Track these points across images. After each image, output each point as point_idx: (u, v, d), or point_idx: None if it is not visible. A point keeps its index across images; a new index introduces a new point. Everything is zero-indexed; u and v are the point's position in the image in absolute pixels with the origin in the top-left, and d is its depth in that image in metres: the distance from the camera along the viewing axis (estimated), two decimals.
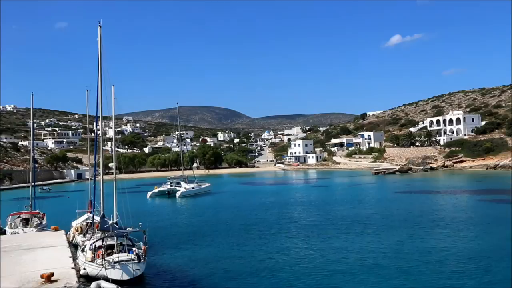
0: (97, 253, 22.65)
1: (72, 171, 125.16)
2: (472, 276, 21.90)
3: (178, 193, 68.81)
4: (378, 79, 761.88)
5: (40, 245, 25.72)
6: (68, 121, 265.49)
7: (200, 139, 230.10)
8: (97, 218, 27.04)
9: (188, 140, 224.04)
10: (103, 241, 23.88)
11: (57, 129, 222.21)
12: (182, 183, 73.74)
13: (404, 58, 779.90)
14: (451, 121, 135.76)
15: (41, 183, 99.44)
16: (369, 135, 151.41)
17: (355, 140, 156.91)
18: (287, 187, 79.37)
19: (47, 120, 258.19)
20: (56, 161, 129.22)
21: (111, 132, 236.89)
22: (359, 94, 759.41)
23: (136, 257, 22.55)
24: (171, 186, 73.29)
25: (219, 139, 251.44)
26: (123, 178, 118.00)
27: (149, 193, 70.46)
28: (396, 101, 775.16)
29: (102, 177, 25.87)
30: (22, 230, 32.82)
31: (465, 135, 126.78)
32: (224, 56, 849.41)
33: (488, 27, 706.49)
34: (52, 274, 18.65)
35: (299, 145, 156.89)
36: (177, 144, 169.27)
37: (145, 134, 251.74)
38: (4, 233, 33.54)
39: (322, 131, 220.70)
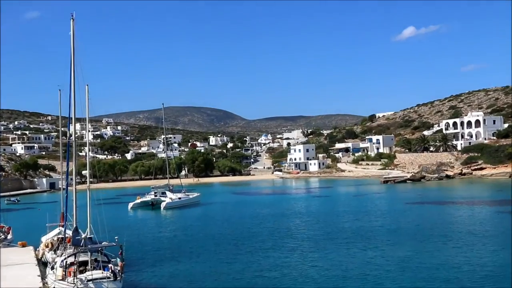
0: (69, 271, 22.95)
1: (44, 180, 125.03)
2: None
3: (162, 204, 69.16)
4: (389, 77, 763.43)
5: (5, 263, 25.96)
6: (40, 124, 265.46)
7: (189, 144, 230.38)
8: (69, 232, 27.35)
9: (175, 144, 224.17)
10: (75, 257, 24.18)
11: (27, 132, 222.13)
12: (167, 193, 74.12)
13: (418, 53, 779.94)
14: (469, 123, 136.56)
15: (8, 193, 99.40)
16: (377, 139, 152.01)
17: (362, 145, 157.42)
18: (285, 197, 79.75)
19: (16, 123, 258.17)
20: (25, 168, 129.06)
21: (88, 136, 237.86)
22: (367, 93, 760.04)
23: (112, 274, 22.85)
24: (155, 196, 73.65)
25: (211, 143, 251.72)
26: (102, 187, 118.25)
27: (130, 204, 70.79)
28: (408, 101, 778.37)
29: (75, 186, 26.17)
30: None
31: (485, 139, 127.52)
32: (216, 52, 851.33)
33: None
34: None
35: (299, 150, 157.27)
36: (163, 149, 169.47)
37: (127, 138, 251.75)
38: None
39: (325, 134, 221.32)
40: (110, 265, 23.78)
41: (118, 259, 24.81)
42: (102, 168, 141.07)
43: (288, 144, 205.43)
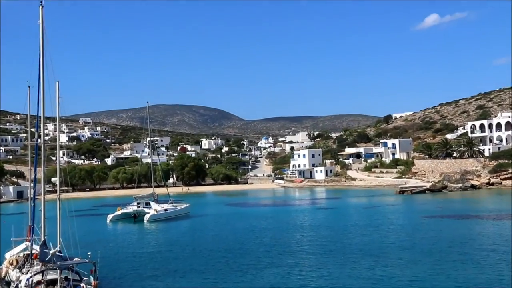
0: None
1: (11, 188, 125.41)
2: None
3: (146, 217, 69.58)
4: (408, 72, 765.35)
5: None
6: (8, 124, 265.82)
7: (179, 148, 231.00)
8: (36, 247, 27.71)
9: (162, 148, 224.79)
10: (43, 275, 24.54)
11: None
12: (152, 203, 74.52)
13: (442, 44, 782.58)
14: (499, 125, 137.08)
15: None
16: (393, 144, 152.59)
17: (375, 150, 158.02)
18: (285, 209, 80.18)
19: None
20: None
21: (63, 138, 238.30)
22: (383, 90, 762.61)
23: None
24: (138, 207, 74.09)
25: (203, 147, 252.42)
26: (77, 197, 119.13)
27: (109, 216, 71.20)
28: (429, 100, 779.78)
29: (44, 195, 26.56)
30: None
31: None
32: (210, 43, 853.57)
33: None
34: None
35: (304, 155, 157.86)
36: (148, 154, 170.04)
37: (107, 140, 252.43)
38: None
39: (334, 137, 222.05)
40: (82, 284, 24.16)
41: (91, 278, 25.17)
42: (78, 175, 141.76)
43: (292, 148, 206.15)
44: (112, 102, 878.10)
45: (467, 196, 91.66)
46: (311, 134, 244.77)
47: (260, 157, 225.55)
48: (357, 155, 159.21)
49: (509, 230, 49.74)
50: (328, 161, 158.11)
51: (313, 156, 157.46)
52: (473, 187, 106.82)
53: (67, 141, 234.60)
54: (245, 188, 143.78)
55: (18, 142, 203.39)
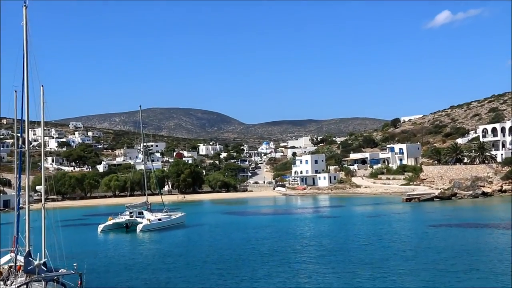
0: None
1: None
2: None
3: (139, 227, 70.06)
4: (417, 72, 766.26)
5: None
6: None
7: (175, 153, 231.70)
8: (21, 258, 28.18)
9: (157, 154, 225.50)
10: (27, 287, 25.00)
11: None
12: (145, 212, 74.99)
13: (454, 43, 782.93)
14: None
15: None
16: (401, 149, 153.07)
17: (382, 155, 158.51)
18: (286, 218, 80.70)
19: None
20: None
21: (52, 143, 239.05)
22: (391, 92, 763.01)
23: None
24: (131, 217, 74.55)
25: (200, 153, 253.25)
26: (67, 205, 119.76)
27: (100, 226, 71.63)
28: (440, 102, 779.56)
29: (28, 203, 27.08)
30: None
31: None
32: (208, 44, 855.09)
33: None
34: None
35: (306, 161, 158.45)
36: (142, 160, 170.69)
37: (99, 146, 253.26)
38: None
39: (338, 142, 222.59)
40: None
41: None
42: (67, 183, 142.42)
43: (294, 154, 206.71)
44: (105, 105, 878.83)
45: (477, 204, 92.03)
46: (315, 139, 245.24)
47: (260, 163, 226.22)
48: (363, 161, 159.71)
49: None
50: (332, 167, 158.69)
51: (316, 162, 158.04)
52: (485, 194, 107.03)
53: (56, 147, 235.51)
54: (244, 196, 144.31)
55: (5, 148, 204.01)
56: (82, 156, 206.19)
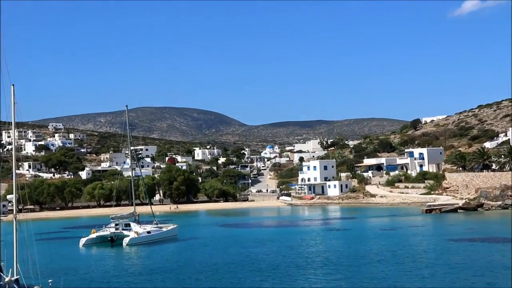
0: None
1: None
2: None
3: (125, 240, 70.52)
4: (442, 67, 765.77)
5: None
6: None
7: (167, 158, 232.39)
8: None
9: (147, 159, 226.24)
10: None
11: None
12: (132, 224, 75.47)
13: (483, 33, 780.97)
14: None
15: None
16: (421, 153, 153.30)
17: (400, 161, 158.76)
18: (290, 231, 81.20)
19: None
20: None
21: (28, 147, 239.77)
22: (411, 89, 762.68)
23: None
24: (117, 229, 74.98)
25: (196, 157, 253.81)
26: (45, 217, 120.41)
27: (82, 240, 72.14)
28: (466, 101, 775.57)
29: (0, 214, 27.65)
30: None
31: None
32: (206, 36, 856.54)
33: None
34: None
35: (314, 167, 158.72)
36: (130, 166, 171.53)
37: (82, 150, 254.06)
38: None
39: (351, 146, 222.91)
40: None
41: None
42: (46, 191, 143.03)
43: (301, 159, 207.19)
44: (88, 104, 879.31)
45: (507, 216, 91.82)
46: (324, 142, 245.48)
47: (263, 169, 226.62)
48: (378, 167, 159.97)
49: None
50: (343, 174, 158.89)
51: (325, 168, 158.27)
52: None
53: (33, 151, 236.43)
54: (244, 206, 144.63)
55: None
56: (63, 161, 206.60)
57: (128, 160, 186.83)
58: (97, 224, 78.84)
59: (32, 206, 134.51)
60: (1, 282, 26.53)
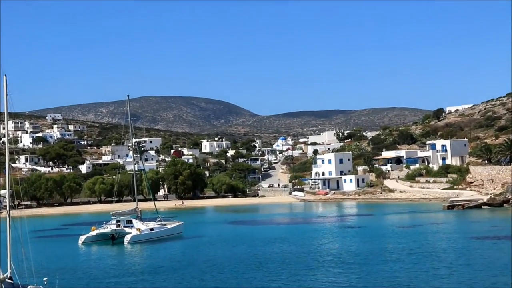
0: None
1: None
2: None
3: (127, 237, 71.18)
4: (467, 52, 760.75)
5: None
6: None
7: (172, 151, 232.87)
8: None
9: (151, 152, 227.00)
10: None
11: None
12: (134, 221, 76.01)
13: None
14: None
15: None
16: (444, 145, 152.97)
17: (421, 153, 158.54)
18: (303, 229, 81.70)
19: None
20: None
21: (25, 139, 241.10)
22: (435, 76, 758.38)
23: None
24: (118, 226, 75.55)
25: (203, 150, 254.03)
26: (43, 214, 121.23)
27: (82, 238, 72.83)
28: (494, 89, 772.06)
29: None
30: None
31: None
32: (215, 22, 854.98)
33: None
34: None
35: (329, 160, 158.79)
36: (133, 159, 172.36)
37: (82, 142, 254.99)
38: None
39: (369, 138, 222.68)
40: None
41: None
42: (44, 186, 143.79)
43: (315, 151, 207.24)
44: (89, 93, 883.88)
45: None
46: (340, 134, 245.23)
47: (275, 162, 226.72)
48: (397, 160, 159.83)
49: None
50: (360, 168, 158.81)
51: (341, 161, 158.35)
52: None
53: (30, 143, 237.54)
54: (254, 202, 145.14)
55: None
56: (62, 155, 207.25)
57: (131, 153, 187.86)
58: (98, 221, 79.86)
59: (28, 202, 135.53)
60: None
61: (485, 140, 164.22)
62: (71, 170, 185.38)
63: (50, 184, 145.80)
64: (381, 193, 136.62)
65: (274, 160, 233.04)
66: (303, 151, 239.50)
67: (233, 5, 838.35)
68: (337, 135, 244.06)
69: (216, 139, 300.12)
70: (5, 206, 31.05)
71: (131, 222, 75.82)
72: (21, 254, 29.99)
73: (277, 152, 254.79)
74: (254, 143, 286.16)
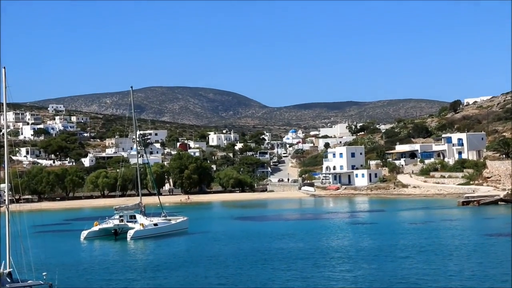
0: None
1: None
2: None
3: (130, 233, 71.75)
4: (486, 43, 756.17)
5: None
6: None
7: (178, 144, 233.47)
8: None
9: (157, 145, 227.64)
10: None
11: None
12: (138, 216, 76.58)
13: None
14: None
15: None
16: (460, 139, 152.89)
17: (436, 147, 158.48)
18: (312, 225, 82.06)
19: None
20: None
21: (26, 131, 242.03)
22: (452, 67, 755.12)
23: None
24: (121, 221, 76.16)
25: (210, 143, 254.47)
26: (44, 208, 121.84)
27: (84, 233, 73.61)
28: None
29: None
30: None
31: None
32: (224, 11, 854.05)
33: None
34: None
35: (341, 154, 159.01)
36: (137, 152, 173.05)
37: (85, 134, 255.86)
38: None
39: (382, 131, 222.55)
40: None
41: None
42: (45, 180, 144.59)
43: (326, 145, 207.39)
44: (93, 84, 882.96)
45: None
46: (353, 126, 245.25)
47: (284, 156, 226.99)
48: (412, 155, 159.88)
49: None
50: (372, 162, 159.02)
51: (353, 155, 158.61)
52: None
53: (31, 135, 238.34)
54: (263, 197, 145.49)
55: None
56: (64, 147, 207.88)
57: (135, 146, 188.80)
58: (100, 216, 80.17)
59: (29, 196, 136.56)
60: None
61: (504, 134, 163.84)
62: (74, 164, 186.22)
63: (51, 178, 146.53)
64: (394, 188, 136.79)
65: (284, 153, 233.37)
66: (313, 144, 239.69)
67: None
68: (349, 127, 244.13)
69: (224, 131, 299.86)
70: (5, 200, 31.67)
71: (134, 217, 76.30)
72: (21, 249, 30.64)
73: (287, 146, 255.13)
74: (263, 136, 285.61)
